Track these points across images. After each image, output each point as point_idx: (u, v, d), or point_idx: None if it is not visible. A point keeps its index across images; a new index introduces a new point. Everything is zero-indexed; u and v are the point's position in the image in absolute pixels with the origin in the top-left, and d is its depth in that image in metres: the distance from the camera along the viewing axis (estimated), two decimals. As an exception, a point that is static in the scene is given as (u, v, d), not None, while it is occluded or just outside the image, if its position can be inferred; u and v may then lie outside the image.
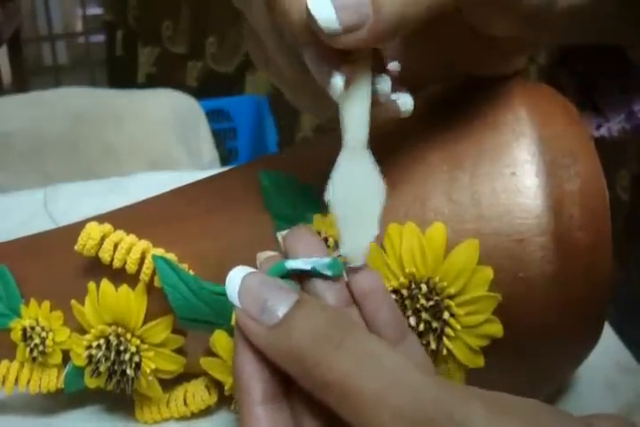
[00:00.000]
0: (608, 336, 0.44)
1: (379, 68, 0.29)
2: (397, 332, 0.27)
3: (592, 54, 0.39)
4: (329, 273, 0.27)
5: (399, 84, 0.31)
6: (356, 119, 0.28)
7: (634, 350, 0.45)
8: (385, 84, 0.29)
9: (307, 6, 0.25)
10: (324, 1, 0.25)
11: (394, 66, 0.32)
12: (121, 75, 1.66)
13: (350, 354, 0.23)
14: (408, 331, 0.28)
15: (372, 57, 0.28)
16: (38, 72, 2.18)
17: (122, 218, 0.40)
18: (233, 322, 0.35)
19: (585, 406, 0.40)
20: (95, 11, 2.23)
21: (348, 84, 0.27)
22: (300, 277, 0.28)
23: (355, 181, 0.28)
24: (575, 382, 0.41)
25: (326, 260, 0.27)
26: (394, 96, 0.30)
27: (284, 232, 0.29)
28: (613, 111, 0.39)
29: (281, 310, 0.24)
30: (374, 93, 0.28)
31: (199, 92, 1.41)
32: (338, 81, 0.27)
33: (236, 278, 0.25)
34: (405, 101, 0.30)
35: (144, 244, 0.36)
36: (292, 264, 0.27)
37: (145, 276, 0.36)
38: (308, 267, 0.27)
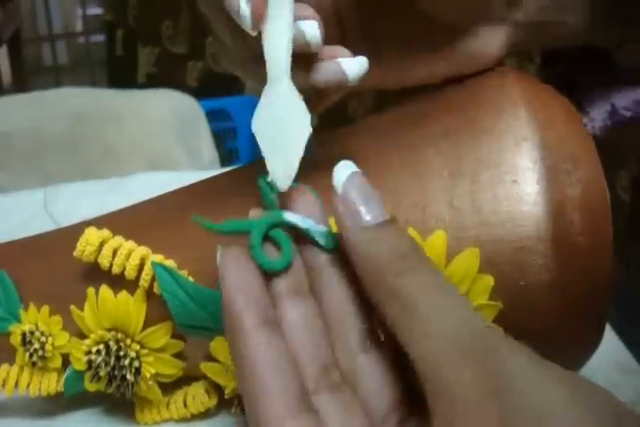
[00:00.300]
0: (608, 337, 0.44)
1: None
2: None
3: (574, 55, 0.39)
4: (321, 241, 0.27)
5: (348, 51, 0.31)
6: (276, 47, 0.28)
7: (634, 350, 0.45)
8: (311, 27, 0.29)
9: None
10: None
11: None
12: (121, 75, 1.66)
13: (421, 276, 0.24)
14: None
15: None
16: (38, 72, 2.18)
17: (121, 222, 0.40)
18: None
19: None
20: (95, 11, 2.23)
21: (262, 14, 0.27)
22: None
23: (278, 111, 0.28)
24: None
25: (323, 228, 0.27)
26: (339, 60, 0.30)
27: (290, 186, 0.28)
28: (596, 109, 0.39)
29: (380, 215, 0.24)
30: (302, 38, 0.29)
31: (199, 92, 1.41)
32: (244, 9, 0.27)
33: (343, 173, 0.26)
34: (351, 66, 0.30)
35: (143, 250, 0.36)
36: (291, 217, 0.27)
37: (144, 282, 0.36)
38: (304, 226, 0.27)
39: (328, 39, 0.30)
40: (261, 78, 0.30)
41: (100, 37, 1.99)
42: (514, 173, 0.32)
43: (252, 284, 0.25)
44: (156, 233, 0.38)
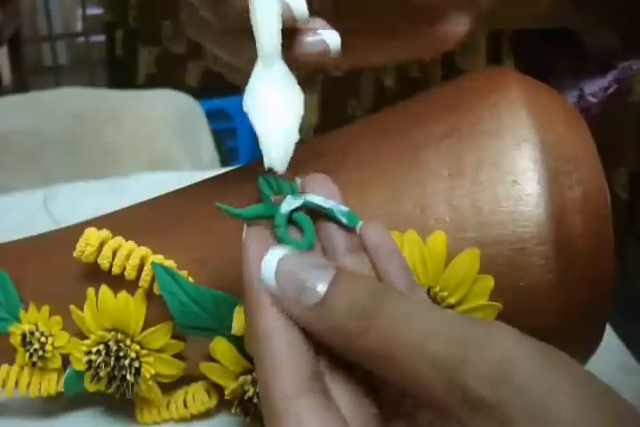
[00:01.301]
0: (609, 337, 0.44)
1: None
2: (406, 284, 0.27)
3: (544, 38, 0.39)
4: (344, 220, 0.27)
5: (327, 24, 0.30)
6: (265, 27, 0.27)
7: (634, 350, 0.45)
8: (297, 2, 0.29)
9: None
10: None
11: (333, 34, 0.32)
12: (121, 75, 1.66)
13: (388, 319, 0.23)
14: (415, 283, 0.28)
15: None
16: (38, 72, 2.18)
17: (121, 222, 0.40)
18: (234, 331, 0.35)
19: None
20: (95, 11, 2.23)
21: None
22: (314, 217, 0.27)
23: (272, 92, 0.27)
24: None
25: (345, 207, 0.27)
26: (320, 33, 0.30)
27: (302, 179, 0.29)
28: (565, 94, 0.39)
29: (321, 289, 0.24)
30: (290, 13, 0.28)
31: (199, 92, 1.40)
32: None
33: (271, 262, 0.25)
34: (333, 39, 0.30)
35: (143, 250, 0.36)
36: (313, 199, 0.27)
37: (144, 282, 0.36)
38: (327, 205, 0.27)
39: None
40: (237, 53, 0.30)
41: (100, 37, 1.99)
42: (514, 174, 0.32)
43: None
44: (155, 233, 0.38)
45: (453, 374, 0.21)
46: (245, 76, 0.29)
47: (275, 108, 0.27)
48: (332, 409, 0.23)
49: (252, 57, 0.28)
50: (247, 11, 0.28)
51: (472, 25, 0.36)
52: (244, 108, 0.27)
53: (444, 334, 0.22)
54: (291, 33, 0.29)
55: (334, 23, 0.35)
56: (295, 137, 0.27)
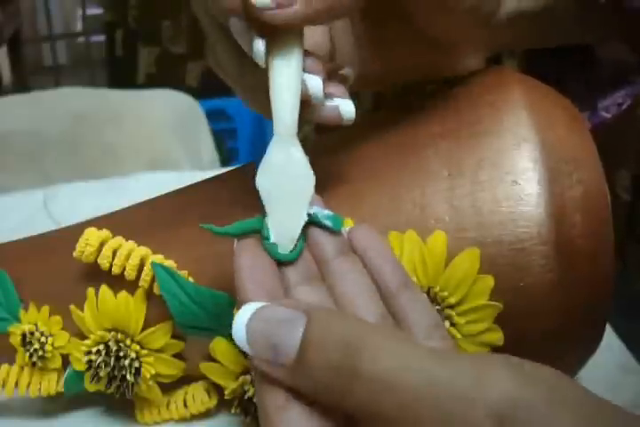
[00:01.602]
0: (609, 337, 0.44)
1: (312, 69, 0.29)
2: (398, 283, 0.28)
3: (557, 53, 0.39)
4: (329, 224, 0.28)
5: (346, 91, 0.31)
6: (284, 105, 0.28)
7: (634, 350, 0.45)
8: (315, 82, 0.29)
9: None
10: None
11: (347, 72, 0.32)
12: (121, 75, 1.66)
13: (368, 383, 0.22)
14: (410, 282, 0.28)
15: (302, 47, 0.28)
16: (38, 72, 2.18)
17: (121, 222, 0.40)
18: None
19: (585, 407, 0.40)
20: (95, 11, 2.23)
21: (272, 54, 0.27)
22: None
23: (282, 169, 0.28)
24: (575, 382, 0.41)
25: (328, 211, 0.28)
26: (336, 101, 0.30)
27: None
28: (580, 110, 0.40)
29: (292, 351, 0.23)
30: (305, 92, 0.28)
31: (199, 92, 1.40)
32: (259, 45, 0.27)
33: (240, 327, 0.25)
34: (347, 109, 0.30)
35: (143, 250, 0.36)
36: None
37: (144, 282, 0.36)
38: (310, 211, 0.28)
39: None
40: (254, 90, 0.30)
41: (100, 37, 1.99)
42: (514, 174, 0.32)
43: (263, 270, 0.26)
44: (155, 233, 0.38)
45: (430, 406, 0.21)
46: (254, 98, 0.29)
47: (285, 188, 0.28)
48: (319, 419, 0.24)
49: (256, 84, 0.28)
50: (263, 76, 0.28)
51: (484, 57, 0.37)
52: (257, 182, 0.27)
53: (437, 390, 0.22)
54: (306, 102, 0.30)
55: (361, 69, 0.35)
56: (303, 218, 0.28)
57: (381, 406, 0.22)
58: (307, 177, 0.28)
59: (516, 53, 0.44)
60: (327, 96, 0.30)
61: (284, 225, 0.27)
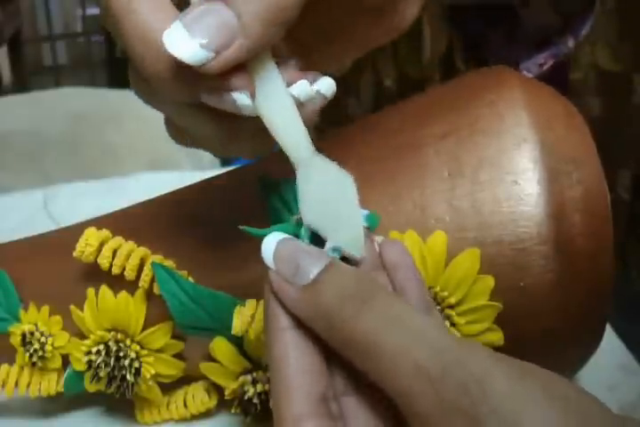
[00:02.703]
0: (609, 337, 0.44)
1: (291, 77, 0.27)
2: (423, 306, 0.28)
3: (481, 12, 0.39)
4: (364, 223, 0.27)
5: (317, 73, 0.29)
6: (288, 131, 0.26)
7: (634, 350, 0.45)
8: (303, 89, 0.27)
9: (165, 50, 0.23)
10: (178, 35, 0.23)
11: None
12: (121, 75, 1.66)
13: (375, 313, 0.23)
14: (433, 306, 0.28)
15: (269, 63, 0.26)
16: (38, 72, 2.18)
17: (121, 222, 0.40)
18: (234, 331, 0.35)
19: (585, 407, 0.40)
20: (95, 11, 2.23)
21: (255, 95, 0.25)
22: None
23: (325, 190, 0.26)
24: (576, 382, 0.41)
25: (365, 211, 0.27)
26: (315, 86, 0.28)
27: None
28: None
29: (312, 272, 0.24)
30: (298, 102, 0.27)
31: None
32: (242, 98, 0.25)
33: (271, 243, 0.26)
34: (328, 87, 0.28)
35: (143, 250, 0.36)
36: None
37: (144, 282, 0.36)
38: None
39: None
40: (246, 151, 0.29)
41: (100, 37, 1.99)
42: (514, 174, 0.32)
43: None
44: (155, 233, 0.38)
45: (435, 382, 0.22)
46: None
47: (333, 204, 0.26)
48: (313, 346, 0.24)
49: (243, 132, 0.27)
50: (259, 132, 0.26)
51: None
52: (305, 220, 0.26)
53: (431, 342, 0.22)
54: None
55: (294, 46, 0.34)
56: (360, 218, 0.27)
57: (381, 341, 0.23)
58: (346, 179, 0.27)
59: (442, 7, 0.43)
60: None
61: (348, 235, 0.27)
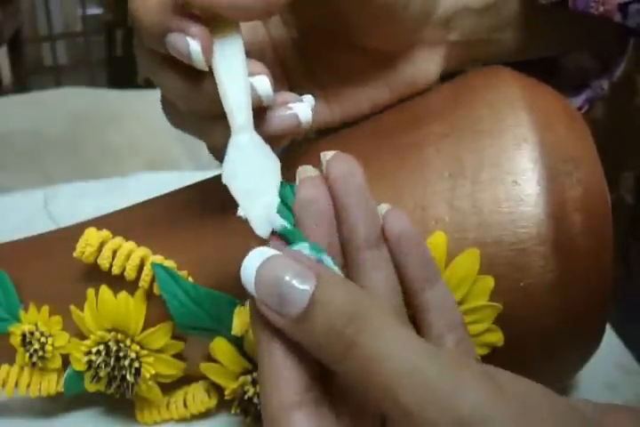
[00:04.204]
0: (608, 337, 0.44)
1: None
2: (426, 278, 0.27)
3: (523, 63, 0.39)
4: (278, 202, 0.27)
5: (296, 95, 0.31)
6: (234, 95, 0.28)
7: (634, 350, 0.45)
8: (262, 82, 0.29)
9: None
10: None
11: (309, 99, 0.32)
12: (121, 75, 1.66)
13: (363, 353, 0.23)
14: (438, 278, 0.28)
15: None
16: (38, 72, 2.18)
17: (121, 222, 0.40)
18: (234, 331, 0.35)
19: (585, 407, 0.40)
20: (95, 11, 2.23)
21: (215, 51, 0.28)
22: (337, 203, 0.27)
23: (249, 162, 0.28)
24: (575, 382, 0.41)
25: (307, 242, 0.26)
26: (292, 107, 0.30)
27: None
28: None
29: (299, 304, 0.23)
30: (255, 94, 0.29)
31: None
32: (195, 46, 0.27)
33: (250, 269, 0.24)
34: (303, 111, 0.31)
35: (143, 250, 0.36)
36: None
37: (144, 283, 0.36)
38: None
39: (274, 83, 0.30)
40: (218, 137, 0.30)
41: (100, 37, 1.99)
42: (514, 174, 0.32)
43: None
44: (155, 234, 0.38)
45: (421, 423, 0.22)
46: (220, 151, 0.29)
47: (252, 178, 0.28)
48: (325, 419, 0.24)
49: (224, 135, 0.28)
50: (217, 96, 0.28)
51: (446, 62, 0.37)
52: (224, 180, 0.27)
53: (417, 381, 0.22)
54: (260, 109, 0.30)
55: (302, 83, 0.35)
56: (276, 202, 0.27)
57: (367, 380, 0.22)
58: (273, 161, 0.28)
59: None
60: (281, 105, 0.30)
61: (260, 213, 0.27)
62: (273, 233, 0.27)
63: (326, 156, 0.28)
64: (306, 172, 0.28)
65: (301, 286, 0.23)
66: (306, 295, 0.23)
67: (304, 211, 0.27)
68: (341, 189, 0.27)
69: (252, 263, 0.24)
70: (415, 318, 0.28)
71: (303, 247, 0.25)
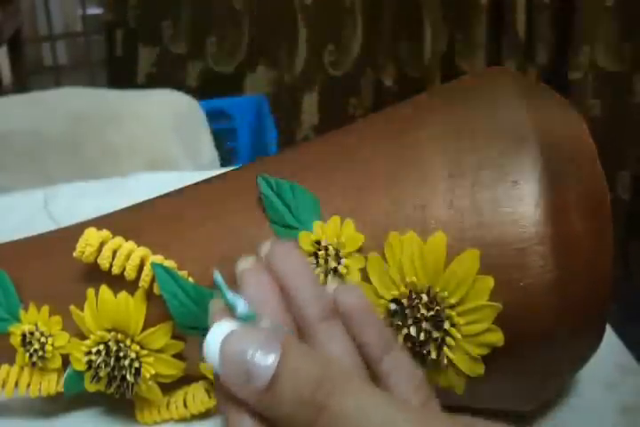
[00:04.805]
0: (608, 336, 0.44)
1: None
2: (382, 346, 0.28)
3: None
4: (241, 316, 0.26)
5: None
6: None
7: (634, 350, 0.45)
8: None
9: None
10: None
11: None
12: (121, 75, 1.66)
13: (338, 408, 0.23)
14: (394, 344, 0.29)
15: None
16: (38, 72, 2.18)
17: (121, 222, 0.40)
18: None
19: (585, 407, 0.40)
20: (95, 11, 2.23)
21: None
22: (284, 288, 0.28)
23: None
24: (575, 382, 0.41)
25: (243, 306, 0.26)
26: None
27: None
28: None
29: (263, 379, 0.24)
30: None
31: (199, 92, 1.40)
32: None
33: (213, 345, 0.25)
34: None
35: (143, 250, 0.36)
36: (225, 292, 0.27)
37: (144, 283, 0.36)
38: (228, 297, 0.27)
39: None
40: None
41: (100, 37, 1.99)
42: (514, 174, 0.32)
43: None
44: (156, 234, 0.38)
45: None
46: None
47: None
48: None
49: None
50: None
51: None
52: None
53: None
54: None
55: None
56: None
57: None
58: None
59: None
60: None
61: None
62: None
63: (262, 249, 0.29)
64: (244, 263, 0.29)
65: (267, 356, 0.24)
66: (269, 370, 0.24)
67: (253, 301, 0.27)
68: (284, 274, 0.28)
69: (215, 339, 0.25)
70: (378, 384, 0.28)
71: (264, 322, 0.26)
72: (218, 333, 0.25)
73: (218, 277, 0.28)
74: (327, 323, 0.27)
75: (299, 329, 0.27)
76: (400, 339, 0.32)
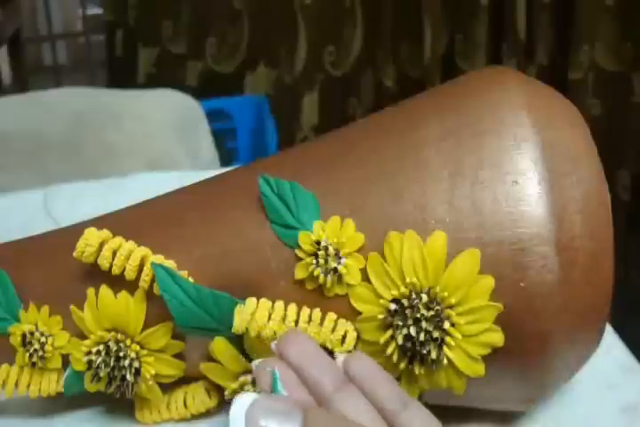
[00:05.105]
0: (608, 336, 0.44)
1: None
2: (399, 404, 0.29)
3: None
4: None
5: None
6: None
7: (634, 349, 0.45)
8: None
9: None
10: None
11: None
12: (121, 75, 1.66)
13: None
14: (409, 400, 0.30)
15: None
16: (38, 72, 2.18)
17: (121, 222, 0.40)
18: (234, 329, 0.35)
19: (585, 406, 0.40)
20: (95, 11, 2.23)
21: None
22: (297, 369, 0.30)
23: None
24: (575, 382, 0.41)
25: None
26: None
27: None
28: None
29: None
30: None
31: (199, 92, 1.40)
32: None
33: (239, 414, 0.26)
34: None
35: (143, 250, 0.36)
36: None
37: (144, 283, 0.36)
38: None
39: None
40: None
41: (100, 37, 1.98)
42: (514, 174, 0.32)
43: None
44: (156, 233, 0.38)
45: None
46: None
47: None
48: None
49: None
50: None
51: None
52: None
53: None
54: None
55: None
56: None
57: None
58: None
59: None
60: None
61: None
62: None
63: (273, 346, 0.31)
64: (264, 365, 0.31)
65: (289, 423, 0.25)
66: None
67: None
68: (295, 357, 0.30)
69: (240, 409, 0.27)
70: None
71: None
72: (243, 401, 0.27)
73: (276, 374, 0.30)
74: (341, 393, 0.29)
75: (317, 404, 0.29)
76: (400, 339, 0.32)
